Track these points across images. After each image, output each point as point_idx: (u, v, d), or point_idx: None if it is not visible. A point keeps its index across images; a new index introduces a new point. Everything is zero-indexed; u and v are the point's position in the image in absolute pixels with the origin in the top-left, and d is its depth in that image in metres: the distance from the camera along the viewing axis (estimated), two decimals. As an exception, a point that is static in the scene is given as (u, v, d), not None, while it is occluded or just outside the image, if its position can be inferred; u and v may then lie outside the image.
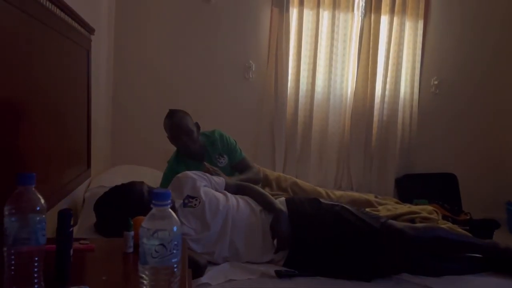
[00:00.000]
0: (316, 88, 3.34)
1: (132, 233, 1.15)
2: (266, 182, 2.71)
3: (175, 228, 0.78)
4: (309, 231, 1.88)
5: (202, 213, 1.86)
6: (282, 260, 1.87)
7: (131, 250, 1.14)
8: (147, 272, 0.76)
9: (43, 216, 0.84)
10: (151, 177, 2.51)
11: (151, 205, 0.78)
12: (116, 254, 1.14)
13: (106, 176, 2.59)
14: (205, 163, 2.23)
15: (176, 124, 2.34)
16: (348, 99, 3.42)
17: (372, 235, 1.79)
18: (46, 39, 1.52)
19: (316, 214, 1.91)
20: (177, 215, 1.82)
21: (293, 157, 3.39)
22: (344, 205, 1.93)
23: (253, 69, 3.35)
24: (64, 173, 1.82)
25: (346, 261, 1.78)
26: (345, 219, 1.85)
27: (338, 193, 2.72)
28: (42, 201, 0.85)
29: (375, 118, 3.41)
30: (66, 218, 0.94)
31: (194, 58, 3.30)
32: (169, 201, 0.78)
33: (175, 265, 0.78)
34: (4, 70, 1.18)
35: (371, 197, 2.89)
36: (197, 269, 1.65)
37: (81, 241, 1.17)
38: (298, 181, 2.77)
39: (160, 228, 0.76)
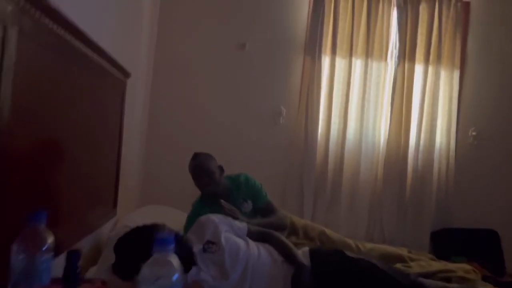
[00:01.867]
0: (347, 135, 3.30)
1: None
2: (292, 230, 2.64)
3: (175, 277, 0.75)
4: (332, 285, 1.78)
5: (221, 259, 1.80)
6: (305, 315, 1.77)
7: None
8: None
9: (49, 255, 0.84)
10: (180, 219, 2.50)
11: (152, 252, 0.76)
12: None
13: (133, 216, 2.60)
14: (221, 200, 2.20)
15: (197, 165, 2.35)
16: (381, 147, 3.34)
17: (399, 292, 1.67)
18: (83, 82, 1.60)
19: (340, 269, 1.81)
20: (195, 260, 1.81)
21: (323, 205, 3.30)
22: (371, 260, 1.82)
23: (284, 115, 3.37)
24: (89, 211, 1.84)
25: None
26: (371, 275, 1.74)
27: (369, 245, 2.60)
28: (50, 240, 0.84)
29: (409, 168, 3.30)
30: (73, 259, 0.92)
31: (227, 102, 3.37)
32: (171, 246, 0.76)
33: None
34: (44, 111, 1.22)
35: (404, 251, 2.74)
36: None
37: (95, 282, 1.14)
38: (327, 230, 2.67)
39: (161, 275, 0.73)
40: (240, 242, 1.89)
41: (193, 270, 1.75)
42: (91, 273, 1.78)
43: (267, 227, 2.32)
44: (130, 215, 2.61)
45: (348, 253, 1.90)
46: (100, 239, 2.13)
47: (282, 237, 2.03)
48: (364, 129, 3.31)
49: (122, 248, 1.72)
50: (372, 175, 3.34)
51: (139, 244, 1.68)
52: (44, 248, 0.83)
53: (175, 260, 0.76)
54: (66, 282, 0.91)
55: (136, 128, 2.97)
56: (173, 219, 2.41)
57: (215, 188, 2.36)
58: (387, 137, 3.31)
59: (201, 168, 2.35)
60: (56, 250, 1.46)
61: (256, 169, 3.29)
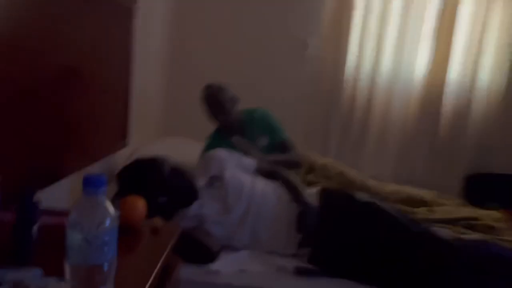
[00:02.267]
0: (380, 69, 3.03)
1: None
2: (311, 168, 2.54)
3: (108, 221, 0.68)
4: (338, 228, 1.70)
5: (224, 195, 1.76)
6: (306, 255, 1.72)
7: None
8: (70, 270, 0.67)
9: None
10: (198, 152, 2.46)
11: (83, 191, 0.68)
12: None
13: (148, 148, 2.59)
14: (233, 137, 2.12)
15: (209, 95, 2.27)
16: (417, 84, 3.06)
17: (407, 240, 1.56)
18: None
19: (347, 211, 1.72)
20: (200, 194, 1.77)
21: (349, 144, 3.14)
22: (382, 204, 1.70)
23: (311, 47, 3.12)
24: (93, 140, 1.81)
25: (375, 266, 1.58)
26: (379, 220, 1.63)
27: (391, 188, 2.47)
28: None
29: (447, 107, 3.02)
30: (28, 195, 0.88)
31: (249, 32, 3.15)
32: (102, 188, 0.68)
33: (105, 264, 0.68)
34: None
35: (431, 195, 2.59)
36: (207, 254, 1.56)
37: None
38: (346, 170, 2.55)
39: (85, 220, 0.65)
40: (246, 179, 1.83)
41: (195, 204, 1.72)
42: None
43: (281, 164, 2.24)
44: (146, 147, 2.59)
45: (359, 196, 1.79)
46: (112, 170, 2.14)
47: (291, 175, 1.93)
48: (400, 64, 3.02)
49: (121, 181, 1.71)
50: (404, 113, 3.10)
51: (137, 178, 1.67)
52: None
53: (107, 203, 0.68)
54: (19, 218, 0.86)
55: (155, 58, 2.88)
56: (190, 152, 2.37)
57: (227, 119, 2.28)
58: (424, 72, 3.01)
59: (212, 97, 2.27)
60: (59, 175, 1.49)
61: (279, 104, 3.14)
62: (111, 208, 0.69)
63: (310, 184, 2.41)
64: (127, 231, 1.06)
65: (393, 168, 3.17)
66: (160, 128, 3.22)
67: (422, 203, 2.34)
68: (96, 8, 1.67)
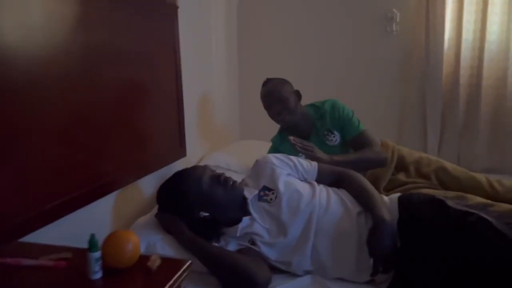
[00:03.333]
0: (487, 36, 2.43)
1: (96, 254, 0.86)
2: (402, 165, 2.09)
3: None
4: (424, 248, 1.29)
5: (278, 211, 1.46)
6: (386, 283, 1.34)
7: (96, 276, 0.86)
8: None
9: None
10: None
11: None
12: (83, 278, 0.87)
13: (216, 154, 2.41)
14: (289, 137, 1.81)
15: (268, 91, 2.00)
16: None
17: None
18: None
19: (437, 225, 1.29)
20: (249, 208, 1.51)
21: (454, 133, 2.59)
22: (484, 215, 1.24)
23: (398, 20, 2.64)
24: (146, 152, 1.72)
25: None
26: (481, 237, 1.19)
27: (510, 183, 1.91)
28: None
29: None
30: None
31: (327, 8, 2.78)
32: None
33: None
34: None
35: None
36: (253, 286, 1.29)
37: (55, 256, 0.94)
38: (448, 165, 2.05)
39: None
40: (305, 189, 1.51)
41: (245, 220, 1.45)
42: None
43: (357, 163, 1.87)
44: (214, 153, 2.42)
45: (451, 203, 1.34)
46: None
47: (362, 178, 1.55)
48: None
49: (159, 198, 1.53)
50: (526, 87, 2.45)
51: (174, 193, 1.47)
52: None
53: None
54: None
55: (222, 60, 2.69)
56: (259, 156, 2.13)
57: (291, 118, 1.98)
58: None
59: (272, 94, 1.99)
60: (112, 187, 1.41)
61: (365, 89, 2.76)
62: None
63: (400, 186, 2.00)
64: (112, 273, 0.85)
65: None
66: (235, 132, 3.04)
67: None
68: (140, 14, 1.65)
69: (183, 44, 1.99)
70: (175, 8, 1.92)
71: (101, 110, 1.43)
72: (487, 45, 2.44)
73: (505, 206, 1.70)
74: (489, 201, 1.77)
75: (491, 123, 2.55)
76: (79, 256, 0.92)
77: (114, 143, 1.50)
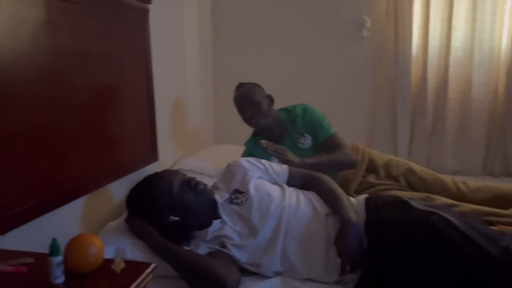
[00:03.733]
0: (453, 42, 2.51)
1: (57, 258, 0.85)
2: (372, 168, 2.14)
3: None
4: (390, 248, 1.32)
5: (248, 213, 1.47)
6: (353, 282, 1.37)
7: (58, 280, 0.85)
8: None
9: None
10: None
11: None
12: (45, 283, 0.86)
13: (190, 159, 2.41)
14: (261, 141, 1.83)
15: (241, 95, 2.03)
16: (503, 54, 2.49)
17: (484, 265, 1.14)
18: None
19: (401, 225, 1.33)
20: (220, 211, 1.52)
21: (423, 136, 2.66)
22: (446, 215, 1.29)
23: (368, 26, 2.71)
24: (120, 155, 1.71)
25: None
26: (444, 237, 1.23)
27: (475, 184, 1.99)
28: None
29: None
30: None
31: (300, 14, 2.82)
32: None
33: None
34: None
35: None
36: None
37: (15, 262, 0.92)
38: (416, 167, 2.11)
39: None
40: (275, 192, 1.53)
41: (216, 223, 1.46)
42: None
43: (328, 166, 1.91)
44: (188, 157, 2.42)
45: (415, 203, 1.38)
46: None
47: (330, 181, 1.58)
48: (478, 32, 2.48)
49: (127, 202, 1.52)
50: (490, 91, 2.54)
51: (143, 197, 1.47)
52: None
53: None
54: None
55: (195, 64, 2.70)
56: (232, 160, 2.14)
57: (264, 122, 2.00)
58: (511, 39, 2.43)
59: (245, 98, 2.02)
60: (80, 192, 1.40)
61: (335, 95, 2.81)
62: None
63: (370, 188, 2.04)
64: (75, 278, 0.85)
65: (482, 160, 2.62)
66: (210, 136, 3.04)
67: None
68: (109, 17, 1.63)
69: (155, 47, 1.98)
70: (146, 11, 1.91)
71: (68, 114, 1.40)
72: (452, 52, 2.52)
73: (468, 206, 1.77)
74: (454, 202, 1.83)
75: (457, 127, 2.63)
76: (42, 261, 0.91)
77: (81, 148, 1.47)
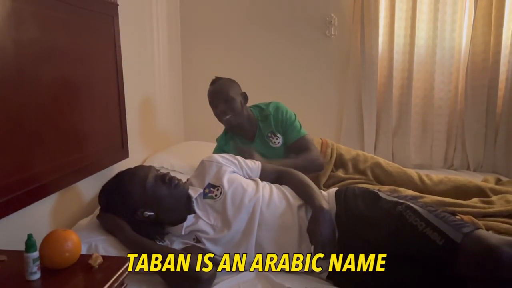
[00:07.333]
0: (416, 41, 2.61)
1: (33, 254, 0.84)
2: (340, 162, 2.20)
3: None
4: (359, 237, 1.37)
5: (223, 206, 1.49)
6: (326, 271, 1.41)
7: (34, 277, 0.84)
8: None
9: None
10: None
11: None
12: (20, 280, 0.85)
13: (160, 155, 2.40)
14: (234, 143, 1.85)
15: (215, 91, 2.02)
16: (463, 53, 2.62)
17: (447, 251, 1.20)
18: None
19: (370, 215, 1.38)
20: (195, 206, 1.52)
21: (388, 131, 2.75)
22: (412, 204, 1.35)
23: (336, 24, 2.77)
24: (90, 152, 1.68)
25: (405, 282, 1.26)
26: (409, 225, 1.29)
27: (438, 177, 2.08)
28: None
29: (502, 76, 2.55)
30: None
31: (268, 11, 2.84)
32: None
33: None
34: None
35: (490, 181, 2.18)
36: (197, 283, 1.30)
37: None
38: (382, 161, 2.19)
39: None
40: (248, 185, 1.55)
41: (190, 218, 1.47)
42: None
43: (295, 168, 1.94)
44: (158, 154, 2.41)
45: (383, 194, 1.44)
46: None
47: (301, 174, 1.62)
48: (439, 31, 2.59)
49: (100, 197, 1.50)
50: (451, 89, 2.66)
51: (117, 192, 1.46)
52: None
53: None
54: None
55: (164, 62, 2.67)
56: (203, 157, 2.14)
57: (235, 119, 2.01)
58: (471, 38, 2.55)
59: (219, 93, 2.01)
60: (48, 189, 1.37)
61: (305, 92, 2.85)
62: None
63: (339, 182, 2.10)
64: (51, 273, 0.84)
65: (444, 154, 2.74)
66: (180, 133, 3.03)
67: (477, 193, 1.93)
68: (78, 11, 1.60)
69: (125, 44, 1.96)
70: (115, 6, 1.89)
71: (34, 111, 1.36)
72: (416, 49, 2.61)
73: (432, 197, 1.86)
74: (419, 194, 1.92)
75: (420, 123, 2.74)
76: (15, 258, 0.89)
77: (49, 145, 1.43)
